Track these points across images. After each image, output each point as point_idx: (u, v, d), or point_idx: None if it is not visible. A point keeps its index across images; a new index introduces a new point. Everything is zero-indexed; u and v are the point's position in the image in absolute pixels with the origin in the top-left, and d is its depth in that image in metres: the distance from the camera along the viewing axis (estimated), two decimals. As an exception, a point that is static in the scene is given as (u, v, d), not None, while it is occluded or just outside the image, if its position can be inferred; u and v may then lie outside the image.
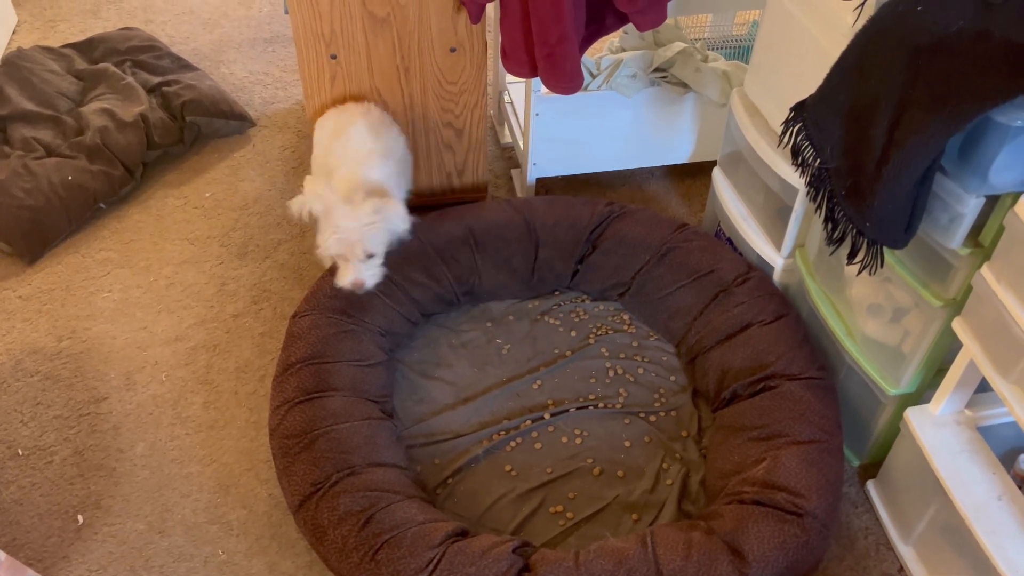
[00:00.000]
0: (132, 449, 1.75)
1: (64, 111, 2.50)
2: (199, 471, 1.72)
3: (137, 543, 1.60)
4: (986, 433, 1.48)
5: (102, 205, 2.32)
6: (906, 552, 1.57)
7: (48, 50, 2.72)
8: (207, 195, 2.38)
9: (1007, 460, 1.46)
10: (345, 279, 1.71)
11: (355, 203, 1.68)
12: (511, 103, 2.47)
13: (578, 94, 2.08)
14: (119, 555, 1.58)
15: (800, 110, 1.50)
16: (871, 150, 1.32)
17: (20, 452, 1.75)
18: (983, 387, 1.47)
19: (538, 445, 1.73)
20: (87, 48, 2.76)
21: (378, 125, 1.94)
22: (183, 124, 2.49)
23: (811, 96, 1.48)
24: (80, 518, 1.64)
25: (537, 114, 2.14)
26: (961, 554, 1.42)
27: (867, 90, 1.34)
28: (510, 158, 2.54)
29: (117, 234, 2.26)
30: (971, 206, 1.29)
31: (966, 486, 1.39)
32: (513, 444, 1.73)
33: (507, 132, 2.54)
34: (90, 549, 1.59)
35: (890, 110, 1.28)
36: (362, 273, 1.70)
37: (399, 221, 1.73)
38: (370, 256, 1.71)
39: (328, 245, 1.70)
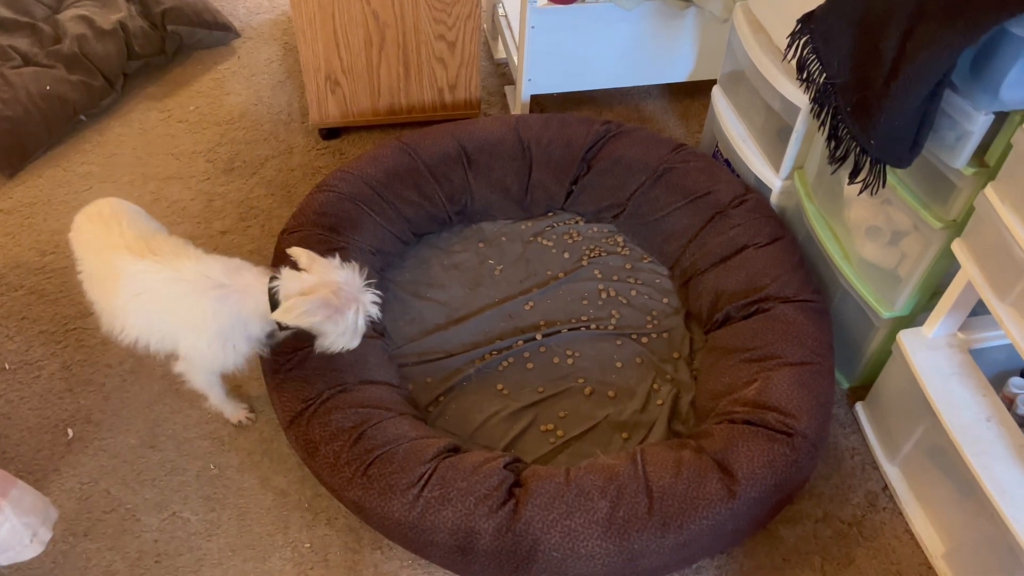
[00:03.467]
0: (120, 365, 1.74)
1: (40, 18, 2.40)
2: (189, 387, 1.71)
3: (129, 456, 1.60)
4: (977, 356, 1.48)
5: (83, 117, 2.25)
6: (891, 471, 1.59)
7: (20, -47, 2.59)
8: (191, 109, 2.31)
9: (997, 382, 1.47)
10: (355, 336, 1.42)
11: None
12: (506, 16, 2.38)
13: (575, 6, 2.00)
14: (111, 468, 1.59)
15: (808, 22, 1.45)
16: (880, 64, 1.28)
17: (7, 367, 1.73)
18: (976, 311, 1.47)
19: (530, 365, 1.73)
20: (61, -49, 2.63)
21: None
22: (164, 34, 2.40)
23: (819, 7, 1.42)
24: (70, 432, 1.64)
25: (533, 27, 2.06)
26: (947, 474, 1.44)
27: (879, 0, 1.28)
28: (504, 74, 2.47)
29: (99, 148, 2.20)
30: (980, 123, 1.26)
31: (956, 408, 1.39)
32: (505, 364, 1.73)
33: (501, 47, 2.46)
34: (81, 462, 1.59)
35: (903, 21, 1.23)
36: (369, 306, 1.43)
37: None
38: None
39: (311, 306, 1.34)
